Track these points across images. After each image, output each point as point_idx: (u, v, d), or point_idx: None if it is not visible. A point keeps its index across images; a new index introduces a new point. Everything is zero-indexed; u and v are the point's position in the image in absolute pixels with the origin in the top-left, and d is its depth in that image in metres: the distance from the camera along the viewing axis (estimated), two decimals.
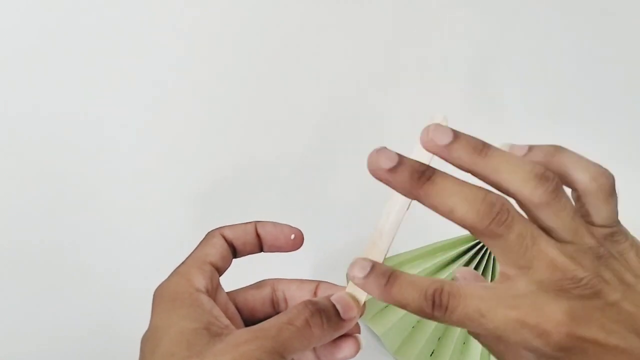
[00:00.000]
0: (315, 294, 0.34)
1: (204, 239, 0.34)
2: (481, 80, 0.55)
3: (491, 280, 0.42)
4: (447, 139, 0.27)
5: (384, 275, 0.27)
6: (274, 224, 0.35)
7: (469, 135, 0.27)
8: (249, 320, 0.34)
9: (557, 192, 0.26)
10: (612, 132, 0.53)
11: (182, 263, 0.33)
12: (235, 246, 0.35)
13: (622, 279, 0.27)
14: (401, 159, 0.27)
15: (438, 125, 0.27)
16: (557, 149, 0.28)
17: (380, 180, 0.27)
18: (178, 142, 0.52)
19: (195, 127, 0.52)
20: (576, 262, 0.26)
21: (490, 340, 0.31)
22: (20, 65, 0.52)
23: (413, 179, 0.26)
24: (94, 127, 0.51)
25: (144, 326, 0.36)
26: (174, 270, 0.32)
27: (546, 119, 0.53)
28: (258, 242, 0.35)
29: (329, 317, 0.30)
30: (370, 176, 0.27)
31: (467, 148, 0.27)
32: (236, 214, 0.50)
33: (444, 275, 0.43)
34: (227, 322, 0.30)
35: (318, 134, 0.53)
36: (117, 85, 0.52)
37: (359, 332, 0.32)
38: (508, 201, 0.26)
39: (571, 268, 0.25)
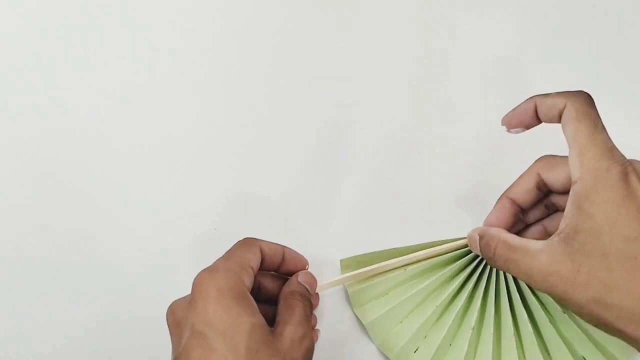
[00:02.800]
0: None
1: (243, 244, 0.38)
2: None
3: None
4: None
5: None
6: (297, 253, 0.42)
7: None
8: None
9: None
10: None
11: (228, 260, 0.36)
12: (264, 261, 0.39)
13: None
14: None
15: None
16: None
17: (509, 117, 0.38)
18: (197, 141, 0.52)
19: (215, 124, 0.53)
20: None
21: None
22: (29, 66, 0.53)
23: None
24: (116, 123, 0.52)
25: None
26: (223, 267, 0.35)
27: None
28: (281, 262, 0.40)
29: (308, 298, 0.38)
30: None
31: None
32: (249, 211, 0.50)
33: (443, 270, 0.42)
34: None
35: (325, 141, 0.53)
36: (123, 83, 0.53)
37: None
38: None
39: None
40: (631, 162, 0.32)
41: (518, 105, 0.37)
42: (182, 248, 0.48)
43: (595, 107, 0.33)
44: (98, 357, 0.45)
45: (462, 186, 0.50)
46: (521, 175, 0.39)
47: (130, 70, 0.54)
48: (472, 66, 0.55)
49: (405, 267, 0.43)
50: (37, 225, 0.48)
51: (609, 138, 0.33)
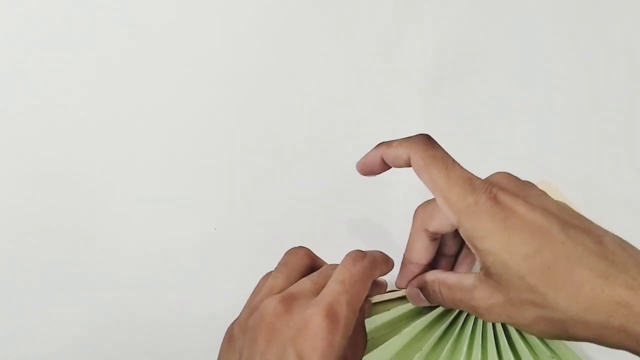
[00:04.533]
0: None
1: (368, 277, 0.34)
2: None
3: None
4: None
5: None
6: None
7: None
8: None
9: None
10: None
11: (351, 306, 0.32)
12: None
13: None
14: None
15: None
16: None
17: (362, 163, 0.37)
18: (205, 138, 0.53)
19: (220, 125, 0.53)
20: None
21: None
22: (29, 66, 0.53)
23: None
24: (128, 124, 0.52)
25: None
26: (344, 317, 0.32)
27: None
28: None
29: None
30: None
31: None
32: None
33: (428, 313, 0.41)
34: None
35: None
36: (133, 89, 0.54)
37: None
38: None
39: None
40: (493, 182, 0.31)
41: (367, 155, 0.37)
42: (182, 248, 0.48)
43: (437, 145, 0.33)
44: (98, 357, 0.46)
45: None
46: (412, 237, 0.37)
47: (131, 71, 0.54)
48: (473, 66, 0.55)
49: (389, 308, 0.40)
50: (37, 225, 0.49)
51: (463, 169, 0.32)
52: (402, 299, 0.40)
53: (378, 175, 0.38)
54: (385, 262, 0.36)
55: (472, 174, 0.32)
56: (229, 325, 0.36)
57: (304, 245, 0.38)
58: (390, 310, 0.40)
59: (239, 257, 0.48)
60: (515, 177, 0.33)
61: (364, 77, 0.55)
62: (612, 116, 0.53)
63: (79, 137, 0.51)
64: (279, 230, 0.49)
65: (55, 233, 0.48)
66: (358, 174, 0.38)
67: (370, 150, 0.36)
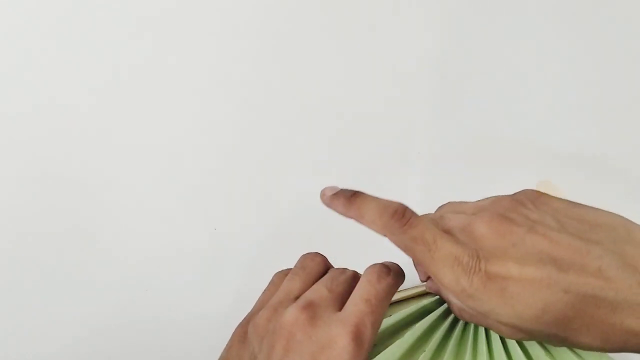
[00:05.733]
0: None
1: (391, 292, 0.33)
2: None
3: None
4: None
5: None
6: None
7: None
8: None
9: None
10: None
11: (375, 329, 0.32)
12: None
13: (527, 216, 0.30)
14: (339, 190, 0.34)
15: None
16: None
17: (328, 204, 0.35)
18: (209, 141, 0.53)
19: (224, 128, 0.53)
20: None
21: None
22: (29, 66, 0.53)
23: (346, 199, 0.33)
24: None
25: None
26: (369, 340, 0.31)
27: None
28: None
29: None
30: None
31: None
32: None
33: (430, 314, 0.40)
34: None
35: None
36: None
37: None
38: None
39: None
40: (478, 252, 0.30)
41: (336, 202, 0.34)
42: (183, 248, 0.48)
43: (413, 221, 0.31)
44: (98, 357, 0.46)
45: (464, 186, 0.50)
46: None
47: (130, 71, 0.54)
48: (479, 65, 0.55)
49: (390, 314, 0.40)
50: (37, 225, 0.49)
51: (447, 243, 0.30)
52: (402, 302, 0.41)
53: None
54: (403, 276, 0.35)
55: (457, 247, 0.30)
56: (228, 325, 0.36)
57: (319, 252, 0.37)
58: (391, 316, 0.40)
59: (239, 257, 0.48)
60: (498, 214, 0.31)
61: (364, 77, 0.55)
62: (612, 116, 0.53)
63: (79, 137, 0.51)
64: (279, 230, 0.49)
65: (56, 233, 0.48)
66: (325, 200, 0.35)
67: (341, 198, 0.34)
